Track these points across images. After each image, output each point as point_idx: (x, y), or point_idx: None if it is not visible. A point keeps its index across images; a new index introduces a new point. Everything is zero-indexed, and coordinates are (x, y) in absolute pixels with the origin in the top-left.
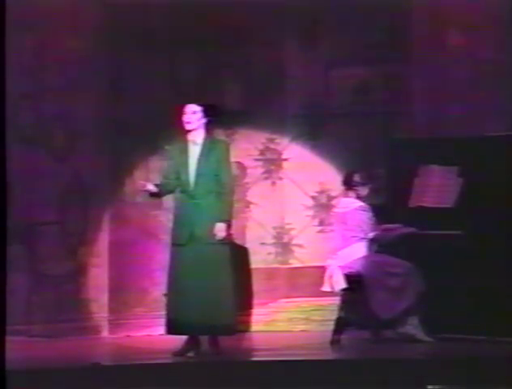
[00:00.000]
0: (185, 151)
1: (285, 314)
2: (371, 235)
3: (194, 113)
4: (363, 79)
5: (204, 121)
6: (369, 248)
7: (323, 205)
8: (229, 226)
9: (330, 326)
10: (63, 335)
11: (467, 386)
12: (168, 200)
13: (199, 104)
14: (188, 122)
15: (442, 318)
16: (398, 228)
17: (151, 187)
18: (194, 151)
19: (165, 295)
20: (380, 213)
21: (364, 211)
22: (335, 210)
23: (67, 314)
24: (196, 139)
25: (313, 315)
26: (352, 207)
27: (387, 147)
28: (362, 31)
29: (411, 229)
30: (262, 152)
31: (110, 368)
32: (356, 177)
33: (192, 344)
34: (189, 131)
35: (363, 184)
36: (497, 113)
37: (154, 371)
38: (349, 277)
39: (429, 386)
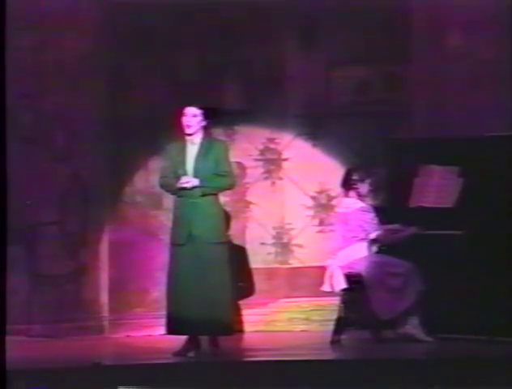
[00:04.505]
0: (183, 151)
1: (285, 314)
2: (372, 236)
3: (195, 116)
4: (363, 79)
5: (204, 123)
6: (370, 248)
7: (323, 205)
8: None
9: (330, 326)
10: (63, 335)
11: (467, 386)
12: (168, 200)
13: (199, 107)
14: (188, 126)
15: (442, 318)
16: (400, 230)
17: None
18: (192, 150)
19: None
20: (380, 213)
21: (366, 211)
22: (337, 210)
23: (67, 314)
24: (194, 139)
25: (313, 315)
26: (354, 207)
27: (387, 147)
28: (362, 31)
29: (413, 231)
30: (262, 152)
31: (110, 368)
32: (355, 176)
33: (192, 344)
34: (189, 134)
35: (362, 180)
36: (497, 112)
37: (154, 371)
38: (349, 277)
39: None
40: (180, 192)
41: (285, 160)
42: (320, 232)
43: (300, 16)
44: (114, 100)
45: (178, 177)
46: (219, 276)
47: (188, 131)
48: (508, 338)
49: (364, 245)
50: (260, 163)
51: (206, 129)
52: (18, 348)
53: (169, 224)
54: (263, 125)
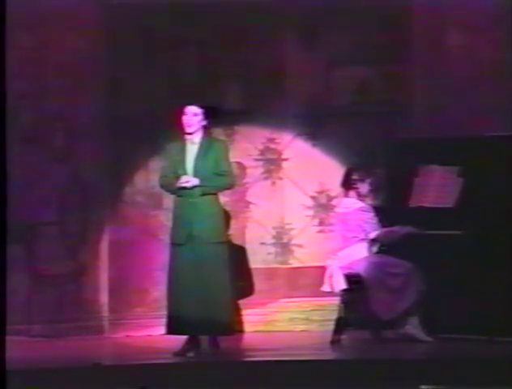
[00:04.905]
0: (182, 150)
1: (285, 314)
2: (372, 236)
3: (195, 115)
4: (363, 79)
5: (204, 123)
6: (370, 249)
7: (323, 205)
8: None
9: (330, 326)
10: (63, 335)
11: (467, 386)
12: (168, 200)
13: (200, 107)
14: (189, 125)
15: (442, 318)
16: (399, 230)
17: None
18: (192, 150)
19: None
20: (380, 213)
21: (365, 211)
22: (337, 210)
23: (67, 314)
24: (194, 138)
25: (313, 315)
26: (354, 207)
27: (387, 147)
28: (362, 31)
29: (412, 230)
30: (262, 152)
31: (110, 368)
32: (355, 175)
33: (192, 344)
34: (190, 133)
35: (362, 180)
36: (497, 113)
37: (154, 371)
38: (349, 278)
39: (423, 387)
40: (180, 192)
41: (285, 160)
42: (320, 232)
43: (300, 16)
44: (114, 100)
45: (178, 177)
46: (219, 276)
47: (188, 130)
48: (508, 338)
49: (364, 245)
50: (260, 163)
51: (206, 128)
52: (18, 348)
53: (169, 224)
54: (263, 125)
